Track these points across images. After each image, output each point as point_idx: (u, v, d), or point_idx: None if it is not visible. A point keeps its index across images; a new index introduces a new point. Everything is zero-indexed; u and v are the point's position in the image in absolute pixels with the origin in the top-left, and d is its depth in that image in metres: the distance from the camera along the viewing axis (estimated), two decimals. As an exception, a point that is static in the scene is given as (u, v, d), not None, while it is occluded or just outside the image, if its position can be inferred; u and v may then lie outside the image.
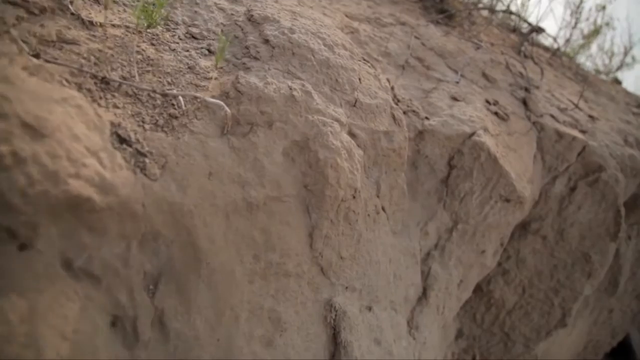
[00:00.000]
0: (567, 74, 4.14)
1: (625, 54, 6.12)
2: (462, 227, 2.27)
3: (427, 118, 2.28)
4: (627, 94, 4.87)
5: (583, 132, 2.96)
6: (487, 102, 2.64)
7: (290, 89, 1.56)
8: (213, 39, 1.79)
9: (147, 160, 1.30)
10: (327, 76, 1.73)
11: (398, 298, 2.03)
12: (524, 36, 3.83)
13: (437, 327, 2.34)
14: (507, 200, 2.26)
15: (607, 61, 6.23)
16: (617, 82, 5.96)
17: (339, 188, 1.52)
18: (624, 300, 4.00)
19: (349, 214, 1.60)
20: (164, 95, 1.40)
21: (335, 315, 1.60)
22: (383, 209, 1.91)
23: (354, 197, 1.60)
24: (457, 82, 2.65)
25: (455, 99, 2.47)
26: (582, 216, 2.87)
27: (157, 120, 1.39)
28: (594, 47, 8.10)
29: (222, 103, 1.42)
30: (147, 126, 1.37)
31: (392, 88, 2.30)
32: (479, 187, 2.24)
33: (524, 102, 2.87)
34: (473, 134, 2.25)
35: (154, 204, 1.27)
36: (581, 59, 6.28)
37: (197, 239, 1.31)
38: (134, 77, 1.41)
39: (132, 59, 1.43)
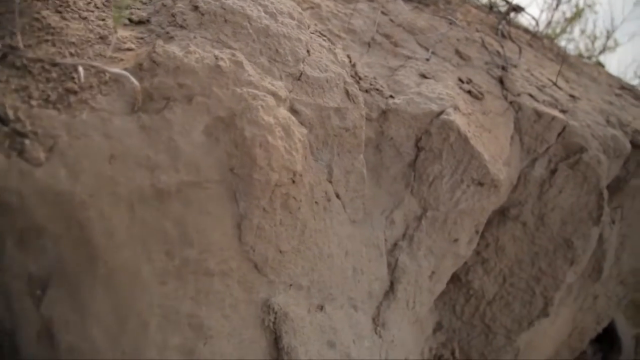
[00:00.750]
0: (547, 55, 3.88)
1: (608, 37, 5.88)
2: (432, 214, 2.02)
3: (391, 97, 2.03)
4: (610, 76, 4.61)
5: (563, 111, 2.71)
6: (460, 80, 2.39)
7: (217, 58, 1.31)
8: (138, 8, 1.53)
9: (27, 142, 1.04)
10: (265, 46, 1.47)
11: (359, 294, 1.79)
12: (502, 15, 3.56)
13: (408, 323, 2.10)
14: (481, 184, 2.01)
15: (589, 45, 6.00)
16: (600, 65, 5.72)
17: (270, 171, 1.27)
18: (609, 285, 3.77)
19: (288, 201, 1.35)
20: (54, 64, 1.14)
21: (275, 318, 1.35)
22: (337, 195, 1.66)
23: (293, 182, 1.35)
24: (428, 59, 2.39)
25: (424, 76, 2.21)
26: (563, 200, 2.62)
27: (48, 96, 1.14)
28: (576, 31, 7.84)
29: (126, 74, 1.16)
30: (34, 102, 1.11)
31: (354, 65, 2.04)
32: (449, 170, 1.99)
33: (501, 81, 2.62)
34: (441, 112, 2.00)
35: (36, 193, 1.02)
36: (563, 42, 6.02)
37: (92, 234, 1.06)
38: (20, 46, 1.16)
39: (18, 25, 1.17)
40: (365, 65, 2.21)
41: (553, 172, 2.60)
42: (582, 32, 6.04)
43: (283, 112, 1.37)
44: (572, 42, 6.23)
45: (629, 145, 2.92)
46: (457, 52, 2.63)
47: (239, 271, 1.28)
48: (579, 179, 2.59)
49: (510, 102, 2.53)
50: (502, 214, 2.68)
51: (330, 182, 1.61)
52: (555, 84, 2.81)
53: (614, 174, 2.94)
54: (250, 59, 1.42)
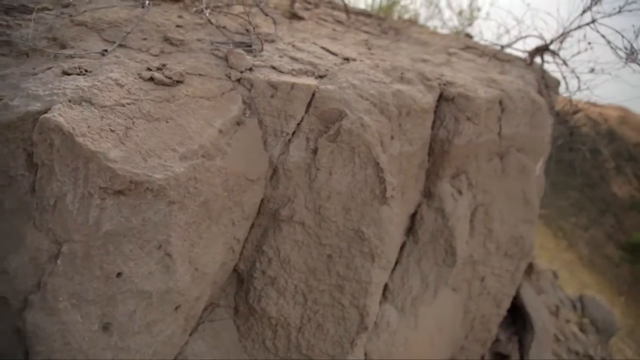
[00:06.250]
0: (364, 28, 3.29)
1: (471, 9, 5.41)
2: (68, 249, 1.35)
3: (-8, 107, 1.40)
4: (457, 39, 4.03)
5: (320, 77, 2.07)
6: (149, 69, 1.76)
7: None
8: None
9: None
10: None
11: None
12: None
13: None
14: (120, 192, 1.35)
15: (456, 22, 5.52)
16: (469, 36, 5.20)
17: None
18: (493, 262, 3.05)
19: None
20: None
21: None
22: None
23: None
24: (104, 54, 1.77)
25: (66, 73, 1.59)
26: (337, 183, 1.95)
27: None
28: (447, 12, 7.40)
29: None
30: None
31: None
32: (69, 185, 1.33)
33: (227, 60, 1.99)
34: (45, 112, 1.36)
35: None
36: (435, 23, 5.55)
37: None
38: None
39: None
40: (-2, 78, 1.58)
41: (315, 152, 1.95)
42: (449, 6, 5.56)
43: None
44: (444, 24, 5.75)
45: (427, 99, 2.28)
46: (167, 39, 2.01)
47: None
48: (347, 153, 1.93)
49: (238, 80, 1.90)
50: (273, 218, 2.01)
51: None
52: (328, 50, 2.18)
53: (418, 136, 2.28)
54: None
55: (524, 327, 3.45)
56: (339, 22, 3.23)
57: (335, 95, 1.96)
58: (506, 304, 3.26)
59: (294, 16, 2.95)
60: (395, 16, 4.51)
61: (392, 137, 2.08)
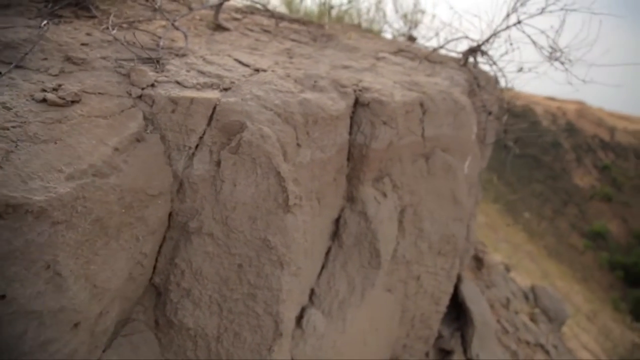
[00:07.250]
0: (292, 36, 3.37)
1: (414, 12, 5.55)
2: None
3: None
4: (392, 43, 4.14)
5: (225, 90, 2.14)
6: (44, 90, 1.80)
7: None
8: None
9: None
10: None
11: None
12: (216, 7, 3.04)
13: None
14: (-3, 217, 1.39)
15: (403, 25, 5.65)
16: (412, 39, 5.34)
17: None
18: (426, 261, 3.15)
19: None
20: None
21: None
22: None
23: None
24: (-2, 77, 1.80)
25: (-49, 99, 1.61)
26: (242, 194, 2.01)
27: None
28: (393, 15, 7.57)
29: None
30: None
31: None
32: (-57, 211, 1.37)
33: (129, 77, 2.04)
34: None
35: None
36: (381, 27, 5.64)
37: None
38: None
39: None
40: None
41: (219, 164, 2.01)
42: (397, 11, 5.68)
43: None
44: (390, 26, 5.85)
45: (337, 107, 2.36)
46: (68, 58, 2.05)
47: None
48: (248, 164, 1.99)
49: (140, 97, 1.95)
50: (183, 231, 2.06)
51: None
52: (242, 63, 2.24)
53: (330, 143, 2.36)
54: None
55: (466, 323, 3.56)
56: (267, 31, 3.29)
57: (236, 107, 2.02)
58: (445, 301, 3.36)
59: (219, 27, 3.01)
60: (340, 21, 4.60)
61: (299, 146, 2.16)
